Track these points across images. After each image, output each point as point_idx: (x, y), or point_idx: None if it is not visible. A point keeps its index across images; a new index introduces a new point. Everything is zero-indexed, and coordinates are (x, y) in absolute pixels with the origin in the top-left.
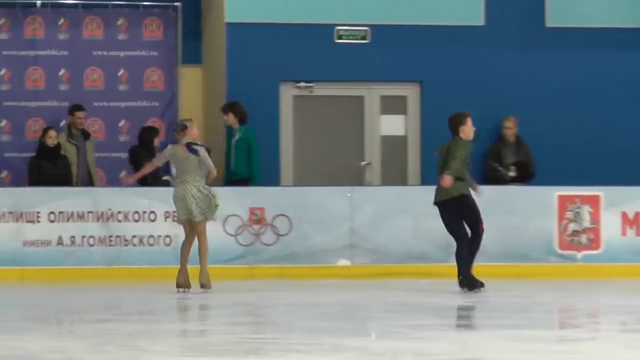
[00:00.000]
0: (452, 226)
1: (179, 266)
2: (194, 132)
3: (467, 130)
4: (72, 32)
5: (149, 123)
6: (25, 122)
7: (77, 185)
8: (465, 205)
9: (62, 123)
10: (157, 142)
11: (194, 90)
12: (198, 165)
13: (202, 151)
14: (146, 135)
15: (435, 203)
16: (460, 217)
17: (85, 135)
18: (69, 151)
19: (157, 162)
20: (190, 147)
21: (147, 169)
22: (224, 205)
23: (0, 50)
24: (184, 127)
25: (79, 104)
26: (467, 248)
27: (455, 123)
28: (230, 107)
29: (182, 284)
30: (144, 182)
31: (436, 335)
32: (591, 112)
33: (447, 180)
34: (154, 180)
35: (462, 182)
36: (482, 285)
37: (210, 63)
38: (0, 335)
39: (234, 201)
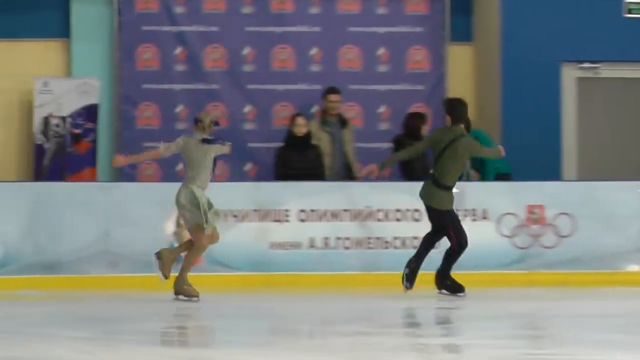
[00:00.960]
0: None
1: (431, 272)
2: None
3: None
4: (325, 5)
5: (412, 108)
6: (271, 107)
7: (330, 179)
8: (446, 220)
9: (314, 109)
10: (425, 130)
11: (463, 71)
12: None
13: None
14: (412, 123)
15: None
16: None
17: (343, 122)
18: (322, 140)
19: (164, 151)
20: (207, 141)
21: (147, 156)
22: (499, 203)
23: (243, 26)
24: (216, 124)
25: (334, 86)
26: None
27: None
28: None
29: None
30: (409, 175)
31: None
32: None
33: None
34: (423, 173)
35: (449, 194)
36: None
37: (482, 41)
38: (242, 349)
39: (509, 198)
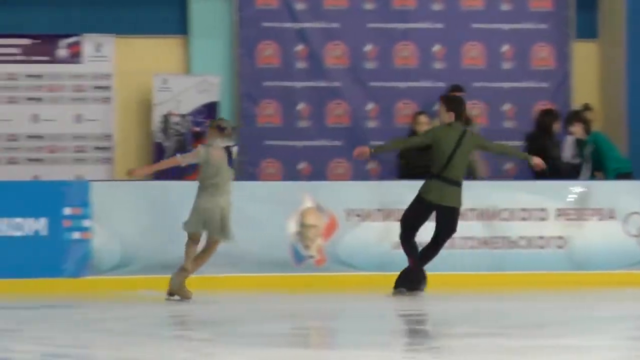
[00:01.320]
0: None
1: (557, 272)
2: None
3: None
4: (448, 2)
5: (538, 106)
6: (393, 105)
7: None
8: (457, 216)
9: (437, 107)
10: (557, 127)
11: (589, 69)
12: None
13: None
14: (544, 120)
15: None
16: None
17: (467, 120)
18: None
19: (183, 161)
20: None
21: (164, 164)
22: (626, 202)
23: (364, 22)
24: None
25: (458, 84)
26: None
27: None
28: (577, 116)
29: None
30: (542, 174)
31: None
32: None
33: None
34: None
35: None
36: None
37: (607, 38)
38: (363, 350)
39: (637, 197)
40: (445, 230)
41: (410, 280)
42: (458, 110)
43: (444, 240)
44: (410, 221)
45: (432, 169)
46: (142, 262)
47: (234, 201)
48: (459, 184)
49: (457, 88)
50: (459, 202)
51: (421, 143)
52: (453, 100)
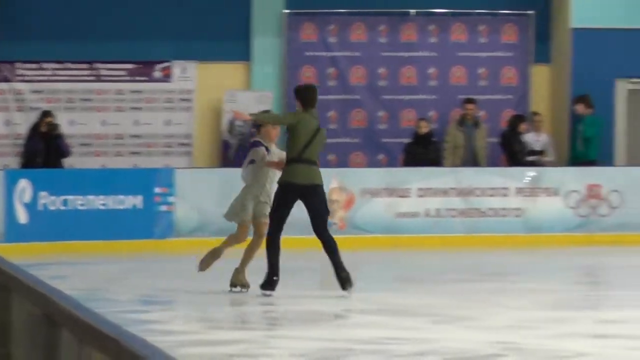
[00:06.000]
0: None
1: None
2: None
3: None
4: (440, 36)
5: (505, 113)
6: (400, 112)
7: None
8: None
9: (454, 112)
10: (523, 128)
11: (543, 86)
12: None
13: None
14: (515, 122)
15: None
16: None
17: (477, 124)
18: (457, 137)
19: (281, 121)
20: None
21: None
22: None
23: (379, 51)
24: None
25: (471, 97)
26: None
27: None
28: (581, 98)
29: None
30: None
31: None
32: None
33: (238, 114)
34: (519, 160)
35: (315, 167)
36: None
37: (558, 63)
38: (377, 293)
39: (576, 179)
40: (317, 210)
41: (269, 283)
42: (304, 100)
43: (322, 226)
44: (281, 214)
45: (290, 153)
46: (215, 227)
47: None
48: (316, 164)
49: (470, 100)
50: (321, 179)
51: (288, 123)
52: (298, 91)
